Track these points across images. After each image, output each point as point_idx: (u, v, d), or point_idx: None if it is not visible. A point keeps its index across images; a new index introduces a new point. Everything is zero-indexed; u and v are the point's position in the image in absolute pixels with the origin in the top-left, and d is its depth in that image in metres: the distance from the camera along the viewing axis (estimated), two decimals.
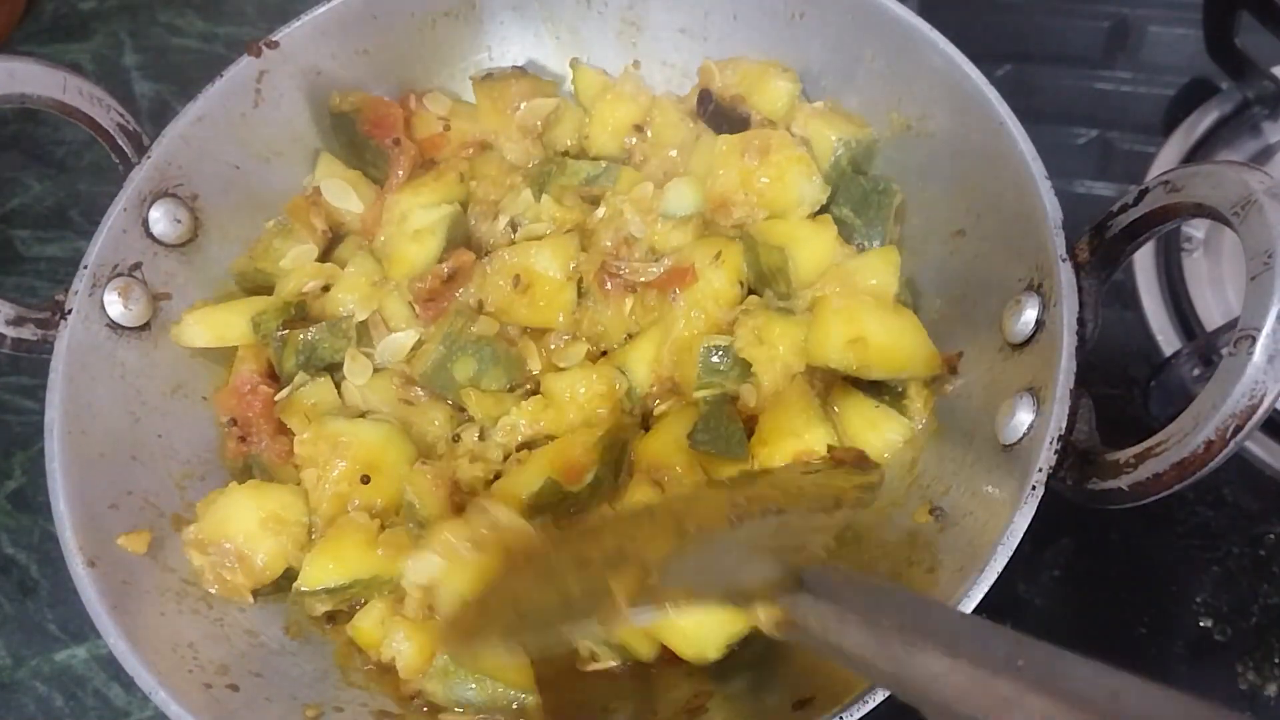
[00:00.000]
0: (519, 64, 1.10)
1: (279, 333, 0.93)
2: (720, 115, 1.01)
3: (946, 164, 0.90)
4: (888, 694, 0.66)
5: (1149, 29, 1.24)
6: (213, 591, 0.84)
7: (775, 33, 1.01)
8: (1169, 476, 0.64)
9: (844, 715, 0.66)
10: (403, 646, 0.82)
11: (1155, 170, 1.11)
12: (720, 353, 0.89)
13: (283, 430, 0.92)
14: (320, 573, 0.83)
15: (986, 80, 0.85)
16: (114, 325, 0.90)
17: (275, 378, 0.95)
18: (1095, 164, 1.17)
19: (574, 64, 1.09)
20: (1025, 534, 0.68)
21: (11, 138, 1.33)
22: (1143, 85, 1.21)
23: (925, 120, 0.92)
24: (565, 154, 1.06)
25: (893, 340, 0.86)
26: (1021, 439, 0.74)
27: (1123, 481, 0.67)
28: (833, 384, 0.89)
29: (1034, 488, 0.69)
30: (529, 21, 1.09)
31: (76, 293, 0.88)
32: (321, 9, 1.01)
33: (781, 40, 1.01)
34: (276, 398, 0.92)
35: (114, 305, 0.90)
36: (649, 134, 1.04)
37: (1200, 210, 0.68)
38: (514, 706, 0.80)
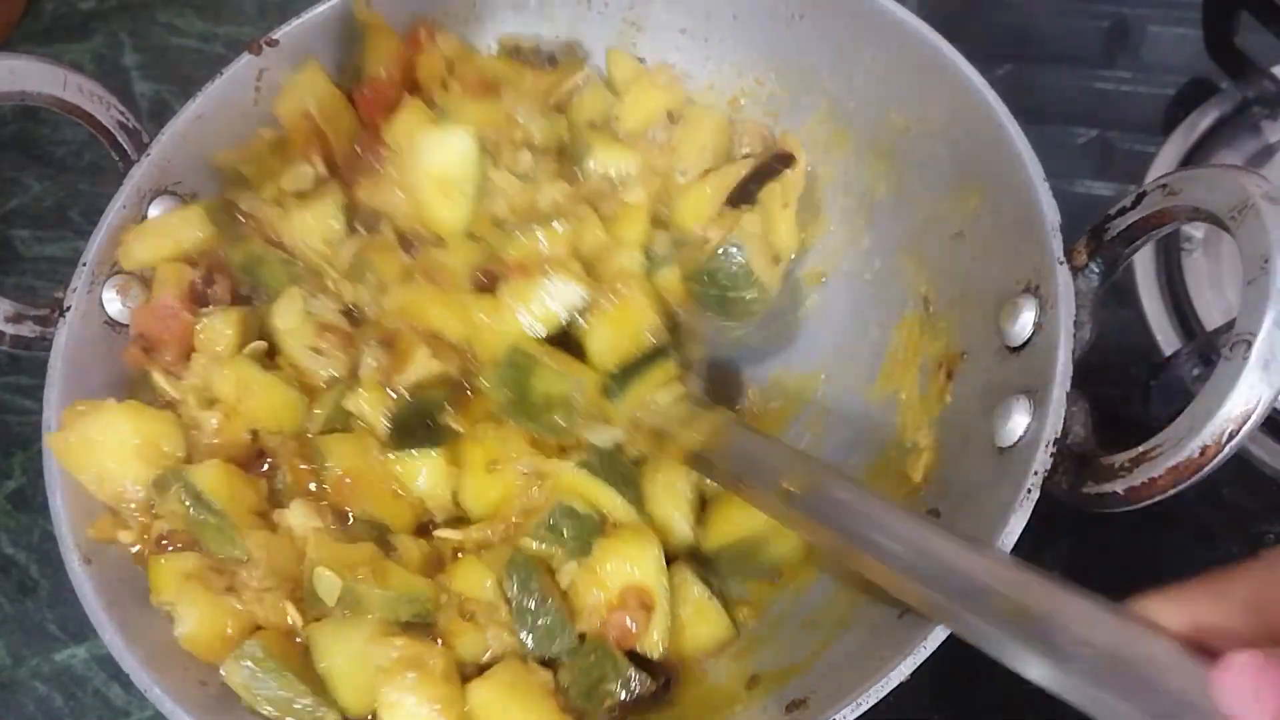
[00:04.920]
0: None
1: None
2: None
3: (945, 165, 0.90)
4: (882, 697, 0.66)
5: (1149, 29, 1.24)
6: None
7: (775, 33, 1.01)
8: (1164, 481, 0.64)
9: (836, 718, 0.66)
10: (188, 611, 0.77)
11: (1155, 170, 1.10)
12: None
13: (186, 356, 0.88)
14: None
15: (986, 82, 0.85)
16: (112, 322, 0.90)
17: (195, 303, 0.90)
18: (1095, 163, 1.17)
19: (611, 51, 1.07)
20: (1025, 535, 0.68)
21: (11, 137, 1.32)
22: (1143, 85, 1.21)
23: (924, 121, 0.92)
24: (590, 125, 1.03)
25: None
26: (1018, 442, 0.74)
27: (1118, 485, 0.67)
28: None
29: (1029, 491, 0.69)
30: (529, 21, 1.08)
31: (75, 290, 0.88)
32: (322, 7, 1.00)
33: (781, 41, 1.01)
34: (201, 313, 0.88)
35: (112, 303, 0.90)
36: (676, 130, 1.02)
37: (1197, 214, 0.68)
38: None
